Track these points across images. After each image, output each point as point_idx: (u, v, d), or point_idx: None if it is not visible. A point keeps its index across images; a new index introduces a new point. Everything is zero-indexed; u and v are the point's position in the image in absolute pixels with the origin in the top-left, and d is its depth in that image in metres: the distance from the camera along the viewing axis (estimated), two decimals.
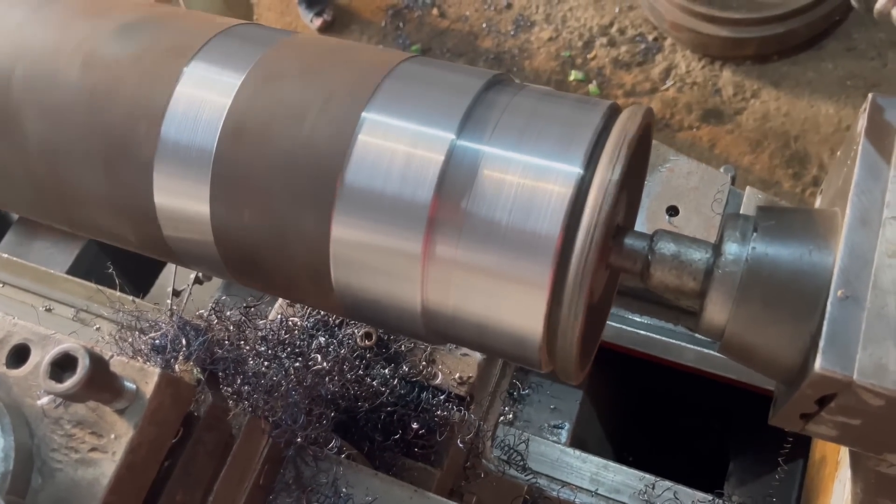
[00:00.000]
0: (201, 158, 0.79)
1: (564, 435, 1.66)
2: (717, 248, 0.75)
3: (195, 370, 0.79)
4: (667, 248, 0.77)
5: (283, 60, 0.83)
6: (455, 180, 0.74)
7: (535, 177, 0.73)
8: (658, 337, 1.60)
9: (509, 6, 3.88)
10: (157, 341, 0.77)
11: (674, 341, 1.59)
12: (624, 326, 1.63)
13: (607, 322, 1.65)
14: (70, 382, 0.64)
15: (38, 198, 0.90)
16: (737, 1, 3.44)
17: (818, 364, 0.63)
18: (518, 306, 0.75)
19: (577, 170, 0.72)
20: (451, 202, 0.74)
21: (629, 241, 0.79)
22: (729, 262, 0.73)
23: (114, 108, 0.82)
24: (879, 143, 0.71)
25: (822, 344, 0.63)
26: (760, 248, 0.72)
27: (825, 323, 0.64)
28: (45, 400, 0.70)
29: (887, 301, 0.64)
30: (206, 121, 0.80)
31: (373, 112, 0.78)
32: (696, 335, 1.60)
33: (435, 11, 3.91)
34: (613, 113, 0.78)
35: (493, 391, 1.41)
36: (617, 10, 3.75)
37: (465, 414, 1.27)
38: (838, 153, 0.82)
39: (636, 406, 2.06)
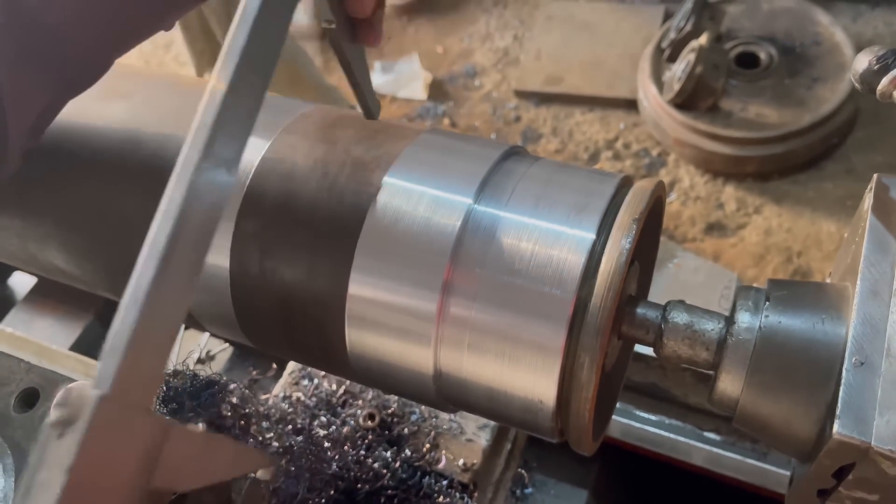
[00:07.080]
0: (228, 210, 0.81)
1: None
2: (729, 319, 0.76)
3: (201, 424, 0.77)
4: (680, 317, 0.78)
5: (308, 124, 0.87)
6: (471, 244, 0.76)
7: (549, 242, 0.75)
8: (666, 434, 1.57)
9: (518, 119, 4.03)
10: (168, 393, 0.77)
11: (682, 439, 1.56)
12: (632, 422, 1.60)
13: (612, 417, 1.62)
14: None
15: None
16: (738, 121, 3.57)
17: (836, 429, 0.62)
18: (531, 370, 0.75)
19: (590, 236, 0.74)
20: (466, 264, 0.75)
21: (641, 310, 0.80)
22: (742, 331, 0.73)
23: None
24: (886, 218, 0.73)
25: (839, 409, 0.63)
26: (773, 316, 0.72)
27: (841, 389, 0.64)
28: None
29: None
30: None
31: (393, 177, 0.80)
32: (705, 434, 1.57)
33: (446, 121, 4.06)
34: (626, 184, 0.80)
35: (497, 481, 1.37)
36: (622, 126, 3.89)
37: (467, 501, 1.23)
38: (845, 235, 0.84)
39: None
